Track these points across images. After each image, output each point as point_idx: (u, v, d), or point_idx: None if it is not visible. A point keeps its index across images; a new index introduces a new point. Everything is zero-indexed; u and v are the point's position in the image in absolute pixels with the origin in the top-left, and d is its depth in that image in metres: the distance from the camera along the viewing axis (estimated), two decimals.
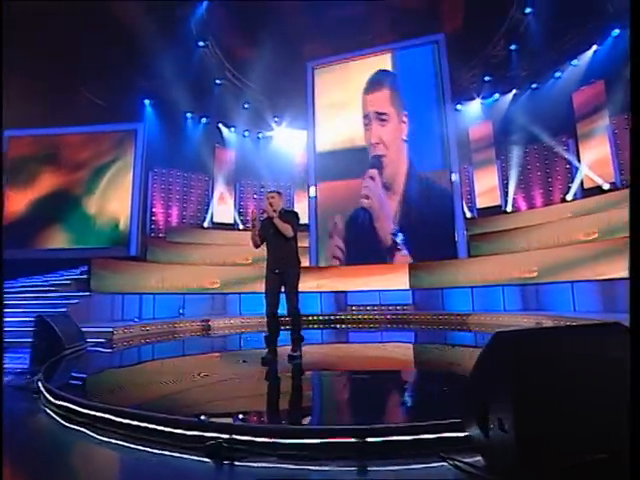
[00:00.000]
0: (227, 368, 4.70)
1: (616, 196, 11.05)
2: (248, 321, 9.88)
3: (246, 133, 15.46)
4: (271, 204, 4.61)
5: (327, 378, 4.10)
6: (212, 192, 14.63)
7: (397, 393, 3.45)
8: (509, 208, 13.60)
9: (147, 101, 13.56)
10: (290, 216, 4.64)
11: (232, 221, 14.79)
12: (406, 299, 11.21)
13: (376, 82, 13.04)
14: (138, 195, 12.32)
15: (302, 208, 14.13)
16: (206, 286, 11.00)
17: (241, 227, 14.88)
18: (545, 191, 13.20)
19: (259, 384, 3.69)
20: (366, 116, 12.91)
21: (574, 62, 12.46)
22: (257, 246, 4.69)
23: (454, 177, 12.76)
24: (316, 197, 13.18)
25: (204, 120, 14.52)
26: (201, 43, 13.37)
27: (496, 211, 13.72)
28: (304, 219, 13.74)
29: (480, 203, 13.94)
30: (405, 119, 12.66)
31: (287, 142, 15.50)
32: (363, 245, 12.28)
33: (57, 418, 2.84)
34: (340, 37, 13.68)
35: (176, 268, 10.88)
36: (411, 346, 6.97)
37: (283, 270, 4.51)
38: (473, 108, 14.03)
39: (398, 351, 6.11)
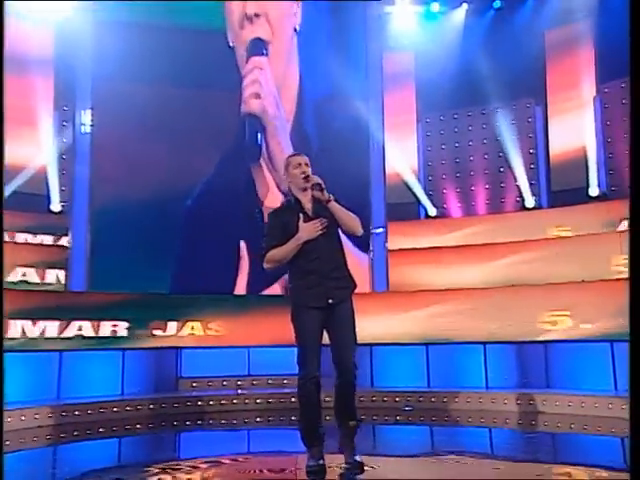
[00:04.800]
0: None
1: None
2: None
3: None
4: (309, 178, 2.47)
5: None
6: None
7: None
8: (432, 211, 7.75)
9: None
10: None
11: None
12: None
13: None
14: None
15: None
16: None
17: None
18: (494, 188, 7.80)
19: None
20: None
21: None
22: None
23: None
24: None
25: None
26: None
27: (411, 212, 7.79)
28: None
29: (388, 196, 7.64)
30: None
31: None
32: None
33: None
34: None
35: None
36: None
37: (338, 299, 2.36)
38: (393, 19, 7.62)
39: None
